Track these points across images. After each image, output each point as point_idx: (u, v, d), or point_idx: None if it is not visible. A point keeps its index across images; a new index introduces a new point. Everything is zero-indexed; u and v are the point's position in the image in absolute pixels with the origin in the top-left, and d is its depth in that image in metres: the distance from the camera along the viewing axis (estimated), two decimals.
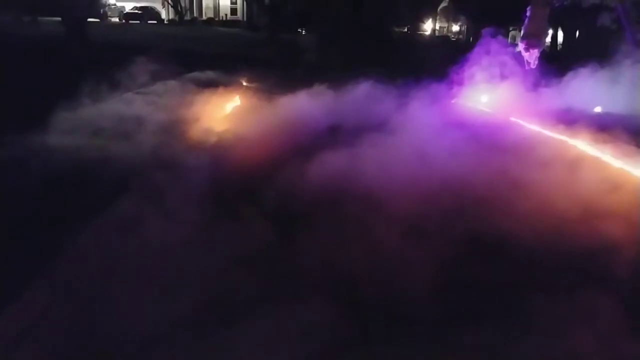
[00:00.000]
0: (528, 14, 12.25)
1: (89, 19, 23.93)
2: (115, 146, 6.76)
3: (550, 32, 31.33)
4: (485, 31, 12.16)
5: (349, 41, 23.01)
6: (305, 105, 9.83)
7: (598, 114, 10.98)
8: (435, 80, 11.68)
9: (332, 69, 14.26)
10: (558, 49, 33.16)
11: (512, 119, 10.12)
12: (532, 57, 12.08)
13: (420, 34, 43.42)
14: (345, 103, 10.27)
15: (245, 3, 44.08)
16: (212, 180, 5.70)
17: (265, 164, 6.34)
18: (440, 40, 42.97)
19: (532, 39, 12.15)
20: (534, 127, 9.45)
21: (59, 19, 21.59)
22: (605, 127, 8.28)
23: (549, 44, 31.33)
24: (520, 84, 11.50)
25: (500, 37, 12.36)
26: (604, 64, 12.10)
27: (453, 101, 11.78)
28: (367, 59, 18.11)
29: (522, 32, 12.47)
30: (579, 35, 28.90)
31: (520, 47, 12.29)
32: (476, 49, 12.17)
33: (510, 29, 35.40)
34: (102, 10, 37.32)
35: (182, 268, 3.83)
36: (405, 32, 38.63)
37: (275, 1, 29.90)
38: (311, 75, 13.06)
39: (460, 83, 12.00)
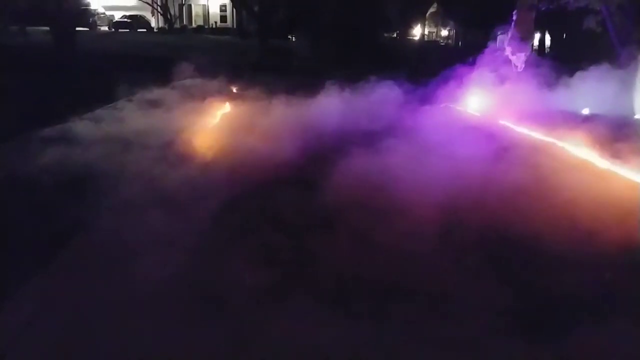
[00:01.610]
0: (514, 18, 12.38)
1: (78, 28, 23.86)
2: (107, 156, 6.71)
3: (538, 35, 31.65)
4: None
5: (339, 47, 23.14)
6: (296, 111, 9.90)
7: (586, 116, 11.09)
8: (426, 84, 11.78)
9: (323, 75, 14.28)
10: (546, 52, 33.47)
11: (501, 121, 10.21)
12: (519, 60, 12.20)
13: (410, 39, 43.67)
14: (337, 108, 10.33)
15: (234, 10, 44.13)
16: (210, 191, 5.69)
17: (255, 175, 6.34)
18: (429, 45, 43.26)
19: (519, 43, 12.27)
20: (522, 130, 9.54)
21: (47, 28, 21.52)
22: (593, 128, 8.36)
23: (536, 47, 31.63)
24: (509, 87, 11.62)
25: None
26: (591, 66, 12.24)
27: (443, 105, 11.87)
28: (357, 65, 18.19)
29: (508, 36, 12.58)
30: (565, 38, 29.23)
31: (508, 50, 12.40)
32: (467, 53, 12.31)
33: (498, 33, 35.68)
34: (91, 19, 37.15)
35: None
36: (394, 37, 38.88)
37: (264, 8, 29.98)
38: (302, 81, 13.10)
39: (451, 86, 12.10)
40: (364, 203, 5.34)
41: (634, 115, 11.44)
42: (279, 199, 5.55)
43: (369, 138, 7.85)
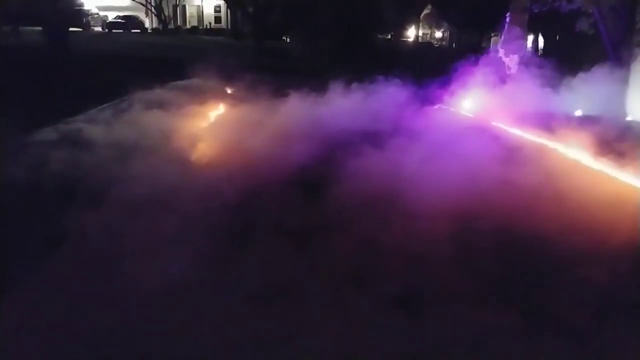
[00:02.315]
0: (507, 20, 12.46)
1: (72, 29, 23.77)
2: (106, 158, 6.69)
3: (531, 37, 31.79)
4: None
5: (333, 48, 23.16)
6: (290, 111, 9.91)
7: (579, 117, 11.16)
8: (420, 86, 11.81)
9: (317, 76, 14.31)
10: (539, 53, 33.62)
11: (494, 123, 10.26)
12: (512, 62, 12.27)
13: (404, 40, 43.75)
14: (332, 109, 10.34)
15: (229, 11, 44.04)
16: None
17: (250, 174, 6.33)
18: (423, 46, 43.35)
19: (512, 45, 12.34)
20: (515, 131, 9.59)
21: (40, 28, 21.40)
22: (584, 129, 8.41)
23: (530, 49, 31.76)
24: (502, 89, 11.68)
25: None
26: (584, 68, 12.32)
27: (436, 106, 11.91)
28: (352, 66, 18.21)
29: (502, 38, 12.64)
30: (558, 40, 29.36)
31: (501, 52, 12.47)
32: (461, 54, 12.34)
33: (492, 34, 35.86)
34: (84, 20, 36.95)
35: None
36: (388, 39, 38.94)
37: (259, 9, 29.96)
38: (296, 82, 13.09)
39: (445, 88, 12.15)
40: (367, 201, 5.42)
41: (626, 116, 11.54)
42: (275, 201, 5.56)
43: (364, 138, 7.87)
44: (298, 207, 5.36)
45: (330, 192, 5.63)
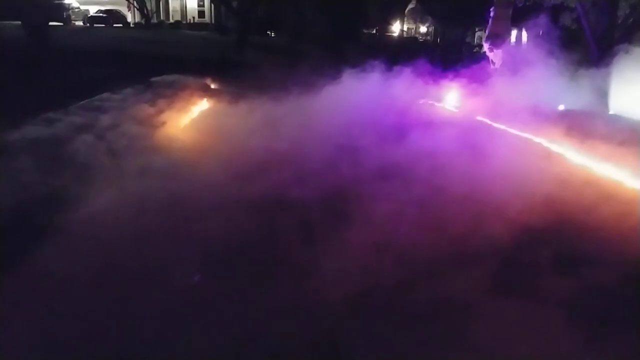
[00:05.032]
0: (492, 14, 12.47)
1: (52, 23, 23.33)
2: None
3: (515, 32, 31.98)
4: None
5: (318, 43, 23.09)
6: (273, 106, 9.84)
7: (561, 112, 11.23)
8: (405, 80, 11.78)
9: (301, 70, 14.21)
10: (523, 48, 33.79)
11: (478, 117, 10.27)
12: (496, 57, 12.30)
13: (389, 35, 43.78)
14: (318, 103, 10.28)
15: (213, 5, 43.62)
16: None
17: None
18: (408, 41, 43.39)
19: (496, 39, 12.37)
20: (499, 126, 9.60)
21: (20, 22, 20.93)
22: (567, 124, 8.47)
23: (514, 43, 31.91)
24: (486, 84, 11.70)
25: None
26: (566, 62, 12.37)
27: (421, 101, 11.90)
28: (336, 60, 18.14)
29: (486, 32, 12.66)
30: (542, 35, 29.56)
31: (485, 47, 12.49)
32: (445, 49, 12.34)
33: (476, 29, 36.01)
34: (65, 14, 36.28)
35: None
36: (373, 33, 38.96)
37: (243, 3, 29.69)
38: (279, 78, 12.99)
39: (430, 83, 12.14)
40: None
41: (609, 111, 11.63)
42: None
43: (345, 133, 7.85)
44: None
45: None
